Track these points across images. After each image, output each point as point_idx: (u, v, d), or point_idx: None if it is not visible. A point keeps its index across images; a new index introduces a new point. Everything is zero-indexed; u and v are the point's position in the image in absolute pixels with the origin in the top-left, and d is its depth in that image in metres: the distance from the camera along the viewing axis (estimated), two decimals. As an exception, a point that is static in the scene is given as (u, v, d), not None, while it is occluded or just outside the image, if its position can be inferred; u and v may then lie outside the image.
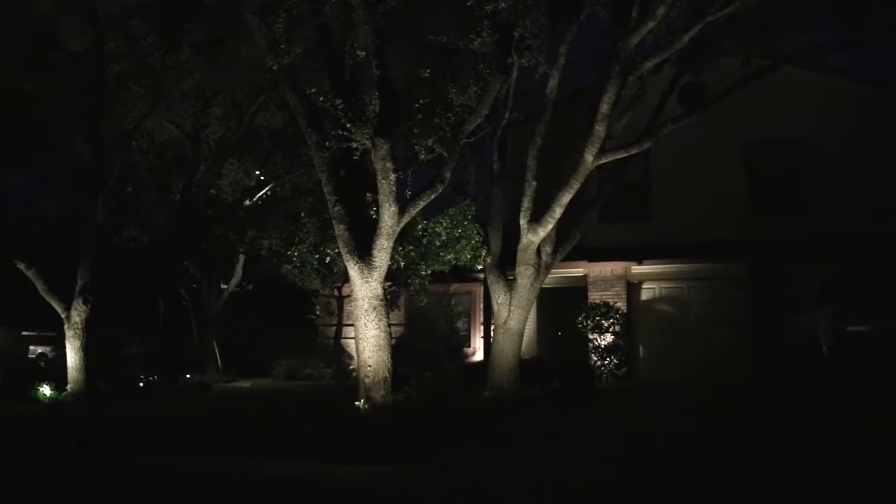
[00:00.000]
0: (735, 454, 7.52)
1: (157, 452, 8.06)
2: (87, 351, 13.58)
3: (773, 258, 15.06)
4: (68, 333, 13.62)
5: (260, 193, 18.14)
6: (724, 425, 9.50)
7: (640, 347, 16.28)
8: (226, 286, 18.22)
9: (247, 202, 17.97)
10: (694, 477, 6.52)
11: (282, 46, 10.55)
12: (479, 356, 16.97)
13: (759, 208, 16.22)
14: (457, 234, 12.87)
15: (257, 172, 17.94)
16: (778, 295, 14.50)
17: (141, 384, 14.54)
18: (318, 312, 18.76)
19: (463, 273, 15.23)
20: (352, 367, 14.84)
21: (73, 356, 13.54)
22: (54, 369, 15.49)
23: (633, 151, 12.01)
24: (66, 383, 13.41)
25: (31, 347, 21.50)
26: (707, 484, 6.27)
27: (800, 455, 7.40)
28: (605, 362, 15.06)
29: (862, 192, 15.29)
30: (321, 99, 10.62)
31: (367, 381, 10.55)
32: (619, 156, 12.00)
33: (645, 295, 16.54)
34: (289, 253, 15.01)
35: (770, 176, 16.57)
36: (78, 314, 13.58)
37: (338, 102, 10.28)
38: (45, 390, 13.03)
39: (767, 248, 15.14)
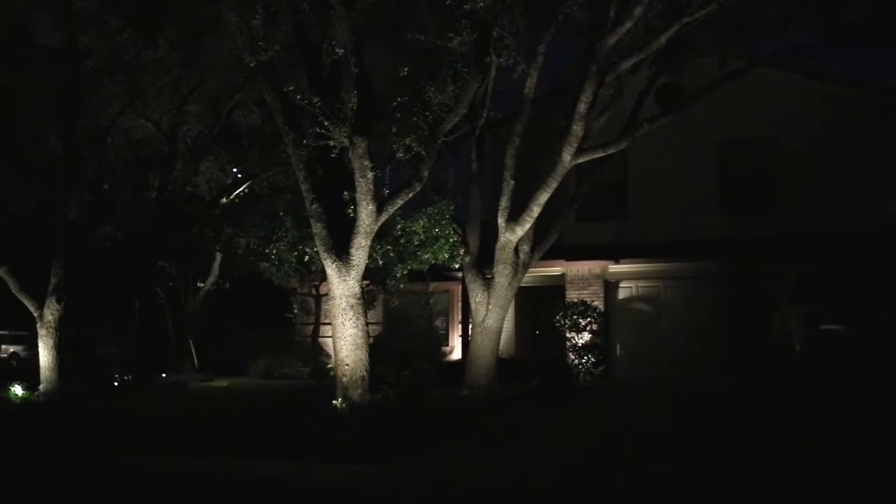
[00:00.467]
0: (705, 451, 7.58)
1: (129, 453, 7.96)
2: (60, 350, 13.39)
3: (747, 257, 15.20)
4: (41, 332, 13.43)
5: (237, 191, 18.02)
6: (697, 424, 9.56)
7: (617, 346, 16.37)
8: (202, 284, 18.06)
9: (224, 200, 17.84)
10: (664, 474, 6.56)
11: (259, 43, 10.45)
12: (457, 355, 16.97)
13: (733, 207, 16.39)
14: (435, 234, 12.87)
15: (235, 170, 17.81)
16: (752, 293, 14.64)
17: (116, 384, 14.37)
18: (295, 311, 18.66)
19: (441, 272, 15.22)
20: (329, 365, 14.77)
21: (45, 355, 13.35)
22: (27, 369, 15.28)
23: (611, 151, 12.07)
24: (38, 383, 13.22)
25: (3, 347, 21.21)
26: (681, 482, 6.31)
27: (768, 450, 7.48)
28: (583, 361, 15.11)
29: (833, 192, 15.49)
30: (299, 97, 10.54)
31: (344, 379, 10.51)
32: (596, 155, 12.06)
33: (622, 294, 16.62)
34: (266, 251, 14.91)
35: (744, 175, 16.74)
36: (51, 313, 13.39)
37: (315, 100, 10.21)
38: (17, 390, 12.83)
39: (742, 247, 15.27)
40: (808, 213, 15.39)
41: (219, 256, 17.70)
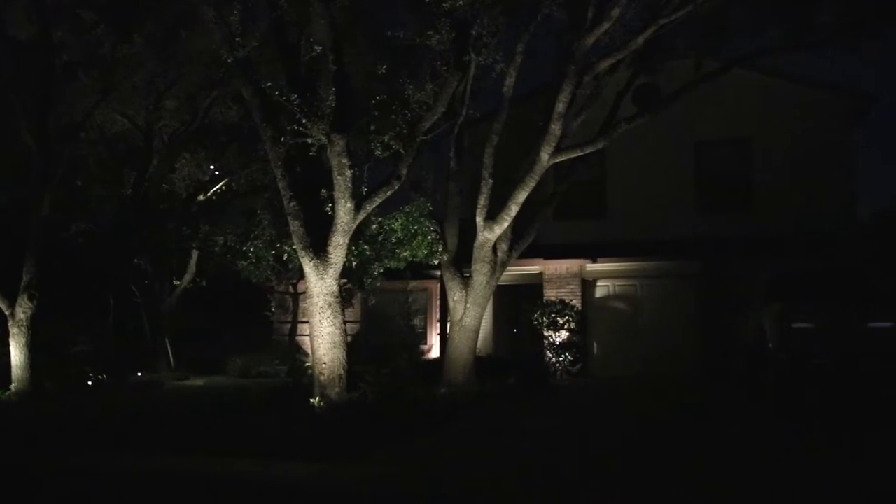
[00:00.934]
0: (676, 452, 7.63)
1: (102, 452, 7.87)
2: (32, 349, 13.19)
3: (722, 256, 15.36)
4: (12, 331, 13.22)
5: (215, 188, 17.85)
6: (671, 423, 9.64)
7: (595, 344, 16.46)
8: (179, 282, 17.89)
9: (201, 197, 17.67)
10: (633, 475, 6.61)
11: (237, 39, 10.36)
12: (435, 353, 16.97)
13: (709, 207, 16.58)
14: (413, 231, 12.84)
15: (212, 167, 17.63)
16: (727, 292, 14.77)
17: (90, 383, 14.19)
18: (273, 309, 18.54)
19: (419, 270, 15.20)
20: (307, 364, 14.71)
21: (17, 354, 13.14)
22: (-2, 368, 15.03)
23: (589, 150, 12.15)
24: (9, 382, 13.02)
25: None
26: (651, 484, 6.36)
27: (740, 449, 7.56)
28: (560, 359, 15.19)
29: (806, 192, 15.70)
30: (277, 93, 10.47)
31: (322, 378, 10.47)
32: (574, 154, 12.13)
33: (599, 292, 16.72)
34: (244, 249, 14.79)
35: (720, 175, 16.94)
36: (23, 311, 13.19)
37: (293, 97, 10.15)
38: (-12, 389, 12.65)
39: (717, 247, 15.43)
40: (782, 214, 15.61)
41: (195, 254, 17.54)
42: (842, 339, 9.82)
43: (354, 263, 13.04)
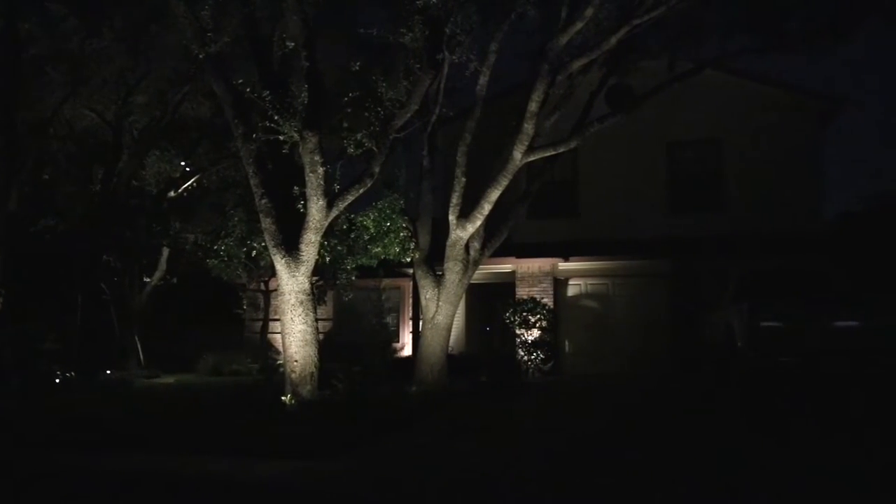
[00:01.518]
0: (642, 449, 7.69)
1: (70, 451, 7.75)
2: (-2, 346, 12.97)
3: (691, 255, 15.51)
4: (-22, 328, 12.99)
5: (185, 185, 17.64)
6: (638, 421, 9.68)
7: (566, 342, 16.54)
8: (149, 279, 17.66)
9: (172, 193, 17.45)
10: (601, 470, 6.64)
11: (208, 34, 10.26)
12: (407, 351, 16.94)
13: (681, 207, 16.74)
14: (385, 229, 12.79)
15: (183, 163, 17.42)
16: (697, 290, 14.93)
17: (57, 381, 13.96)
18: (244, 307, 18.38)
19: (392, 268, 15.14)
20: (279, 362, 14.60)
21: (-18, 351, 12.91)
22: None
23: (561, 150, 12.19)
24: (-26, 380, 12.78)
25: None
26: (615, 481, 6.39)
27: (705, 447, 7.64)
28: (532, 357, 15.22)
29: (775, 193, 15.93)
30: (248, 89, 10.37)
31: (293, 376, 10.40)
32: (547, 154, 12.16)
33: (571, 291, 16.80)
34: (215, 247, 14.63)
35: (691, 175, 17.10)
36: (-11, 308, 12.96)
37: (265, 94, 10.06)
38: (-48, 387, 12.38)
39: (688, 246, 15.58)
40: (752, 214, 15.82)
41: (166, 251, 17.33)
42: (808, 337, 9.95)
43: (328, 259, 12.98)
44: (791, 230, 15.03)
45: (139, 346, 17.20)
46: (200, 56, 10.40)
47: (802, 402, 9.92)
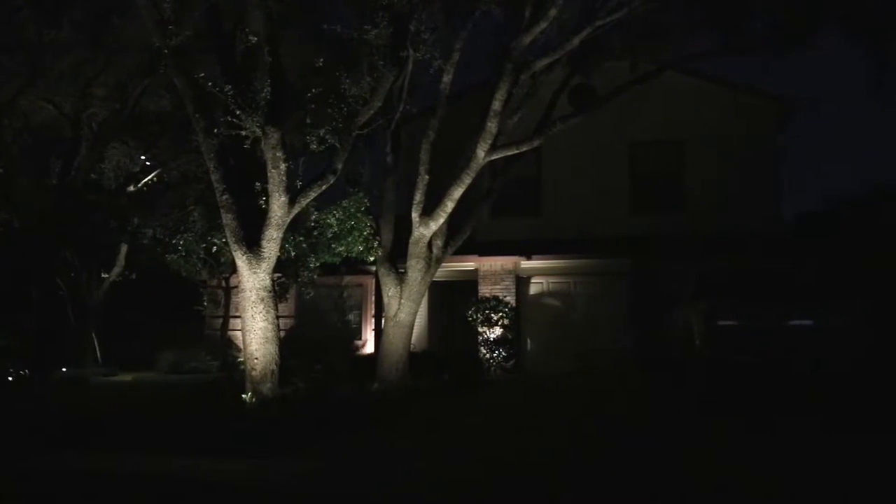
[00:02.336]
0: (600, 447, 7.78)
1: (21, 452, 7.60)
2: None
3: (653, 254, 15.71)
4: (-73, 324, 12.64)
5: (145, 179, 17.34)
6: (596, 419, 9.76)
7: (528, 340, 16.64)
8: (107, 275, 17.34)
9: (131, 188, 17.15)
10: (561, 465, 6.71)
11: (170, 27, 10.11)
12: (370, 348, 16.90)
13: (643, 206, 16.96)
14: (349, 226, 12.74)
15: (143, 157, 17.13)
16: (658, 289, 15.14)
17: (10, 378, 13.65)
18: (204, 303, 18.15)
19: (355, 265, 15.10)
20: (240, 359, 14.47)
21: (-68, 348, 12.58)
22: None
23: (524, 148, 12.27)
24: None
25: None
26: (569, 483, 6.47)
27: (662, 445, 7.76)
28: (495, 355, 15.30)
29: (735, 194, 16.23)
30: (210, 84, 10.25)
31: (254, 373, 10.31)
32: (510, 152, 12.23)
33: (533, 289, 16.91)
34: (174, 242, 14.43)
35: (653, 176, 17.34)
36: (-61, 303, 12.63)
37: (228, 88, 9.97)
38: None
39: (648, 245, 15.78)
40: (711, 214, 16.07)
41: (125, 246, 17.03)
42: (764, 336, 10.16)
43: (293, 254, 12.89)
44: (751, 230, 15.30)
45: (97, 343, 16.90)
46: (164, 50, 10.24)
47: (758, 399, 10.11)
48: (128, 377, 15.82)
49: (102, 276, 17.36)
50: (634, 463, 6.82)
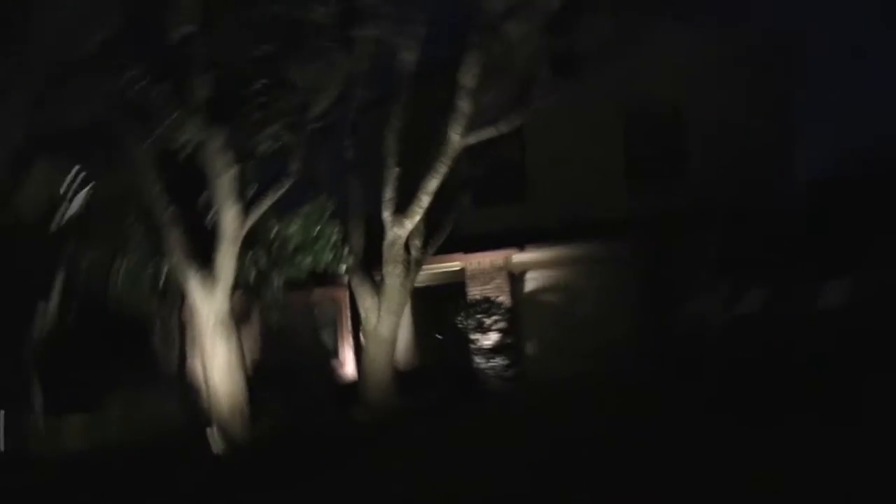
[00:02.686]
0: (614, 464, 7.63)
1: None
2: None
3: (657, 234, 15.48)
4: None
5: (78, 197, 17.06)
6: (608, 434, 9.34)
7: (528, 344, 16.51)
8: (46, 307, 17.04)
9: (62, 210, 16.86)
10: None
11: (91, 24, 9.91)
12: (350, 368, 16.75)
13: (642, 183, 16.79)
14: (313, 234, 12.57)
15: (72, 174, 16.85)
16: (665, 275, 15.01)
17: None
18: (158, 334, 17.88)
19: (324, 278, 14.90)
20: (202, 396, 14.27)
21: None
22: None
23: (504, 129, 12.12)
24: None
25: None
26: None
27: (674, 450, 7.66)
28: (492, 364, 15.14)
29: (744, 162, 16.09)
30: (141, 84, 10.05)
31: (221, 411, 10.14)
32: (489, 135, 12.08)
33: (529, 285, 16.77)
34: (114, 267, 14.18)
35: (651, 148, 17.17)
36: None
37: (160, 88, 9.78)
38: None
39: (652, 224, 15.56)
40: (719, 187, 15.90)
41: (62, 274, 16.75)
42: (784, 326, 10.08)
43: (254, 273, 12.70)
44: (763, 199, 15.17)
45: (38, 383, 16.61)
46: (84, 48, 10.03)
47: (778, 394, 9.92)
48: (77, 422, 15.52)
49: (41, 308, 17.06)
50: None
